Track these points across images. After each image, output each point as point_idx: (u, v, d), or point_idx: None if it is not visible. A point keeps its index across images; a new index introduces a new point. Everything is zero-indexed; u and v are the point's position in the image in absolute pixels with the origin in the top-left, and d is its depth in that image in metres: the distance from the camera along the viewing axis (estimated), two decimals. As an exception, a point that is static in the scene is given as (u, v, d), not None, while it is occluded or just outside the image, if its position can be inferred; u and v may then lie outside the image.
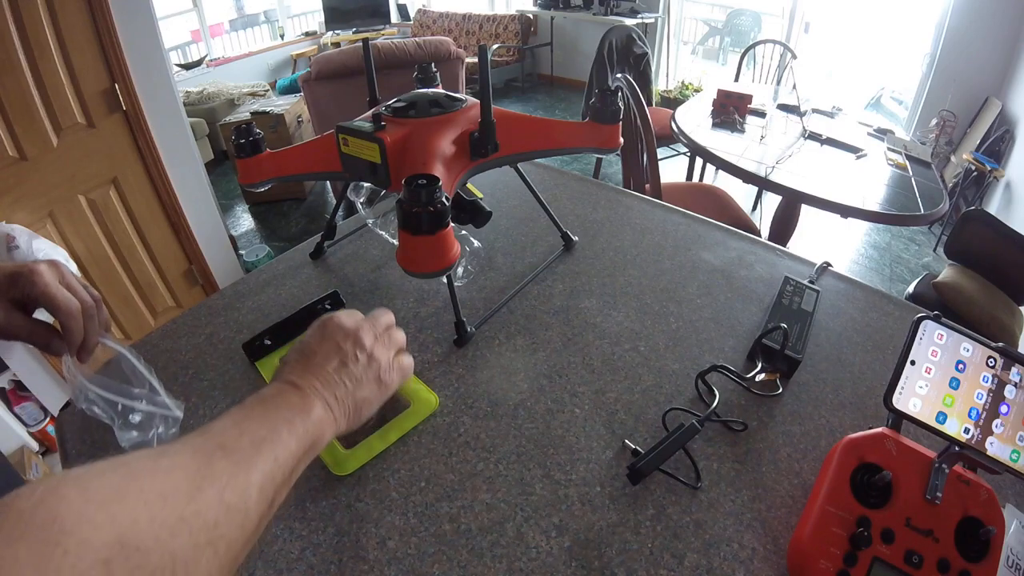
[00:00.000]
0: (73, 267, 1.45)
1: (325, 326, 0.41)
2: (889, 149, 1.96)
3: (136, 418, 0.46)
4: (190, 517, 0.24)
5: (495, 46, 4.74)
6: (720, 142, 1.89)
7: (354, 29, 4.78)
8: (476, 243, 0.74)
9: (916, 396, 0.42)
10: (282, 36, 4.83)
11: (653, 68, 3.35)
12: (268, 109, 3.07)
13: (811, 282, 0.69)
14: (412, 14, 5.34)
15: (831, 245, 2.82)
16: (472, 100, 0.61)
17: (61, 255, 1.43)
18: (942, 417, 0.41)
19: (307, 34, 4.94)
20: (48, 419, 1.66)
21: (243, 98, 3.62)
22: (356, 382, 0.39)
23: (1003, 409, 0.41)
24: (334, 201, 2.31)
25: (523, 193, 0.83)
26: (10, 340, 0.43)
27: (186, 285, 1.97)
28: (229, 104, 3.56)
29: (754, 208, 2.94)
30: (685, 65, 4.93)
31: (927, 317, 0.44)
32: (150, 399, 0.47)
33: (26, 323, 0.43)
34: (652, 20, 4.37)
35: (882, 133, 2.09)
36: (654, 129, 1.56)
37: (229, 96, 3.61)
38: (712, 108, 2.15)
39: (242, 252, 2.52)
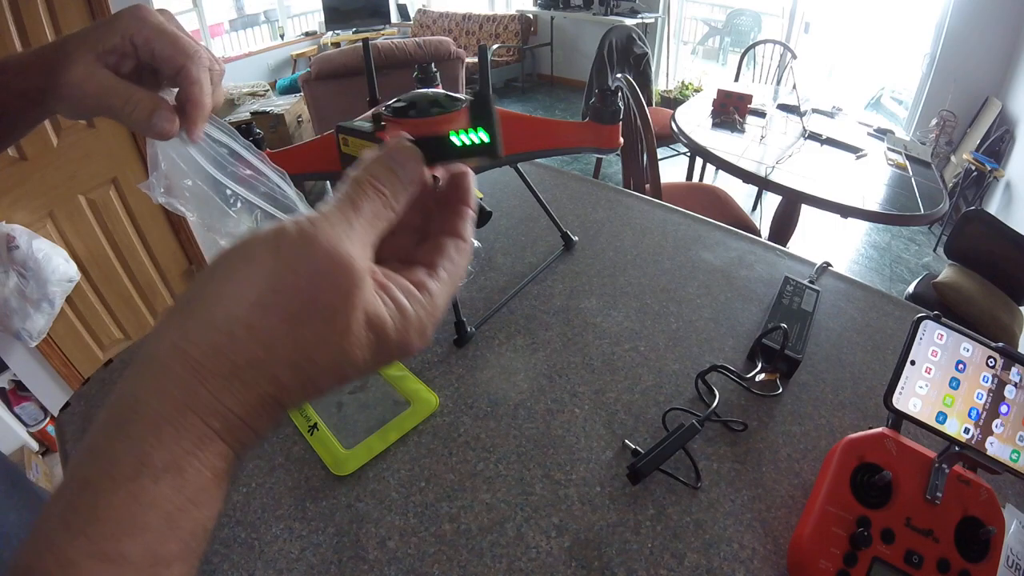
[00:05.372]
0: (72, 268, 1.45)
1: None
2: (889, 149, 1.96)
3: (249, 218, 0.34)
4: None
5: (495, 46, 4.74)
6: (720, 142, 1.89)
7: (354, 29, 4.78)
8: (476, 243, 0.74)
9: (916, 396, 0.42)
10: (282, 36, 4.82)
11: (653, 68, 3.35)
12: (268, 109, 3.07)
13: (811, 282, 0.69)
14: (412, 14, 5.34)
15: (831, 245, 2.82)
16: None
17: (61, 255, 1.43)
18: (942, 417, 0.41)
19: (307, 34, 4.94)
20: (48, 419, 1.66)
21: (243, 98, 3.62)
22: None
23: (1003, 409, 0.41)
24: (334, 201, 2.30)
25: (523, 193, 0.83)
26: (93, 114, 0.31)
27: (186, 285, 1.97)
28: (229, 104, 3.56)
29: (754, 208, 2.94)
30: (685, 65, 4.94)
31: (927, 317, 0.44)
32: (275, 199, 0.34)
33: (117, 83, 0.30)
34: (652, 20, 4.37)
35: (882, 133, 2.09)
36: (654, 129, 1.56)
37: (229, 96, 3.61)
38: (712, 108, 2.15)
39: (242, 252, 2.52)
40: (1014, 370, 0.42)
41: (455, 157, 0.24)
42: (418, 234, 0.26)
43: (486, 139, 0.23)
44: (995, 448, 0.40)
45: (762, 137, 1.97)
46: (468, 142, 0.23)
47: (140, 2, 0.32)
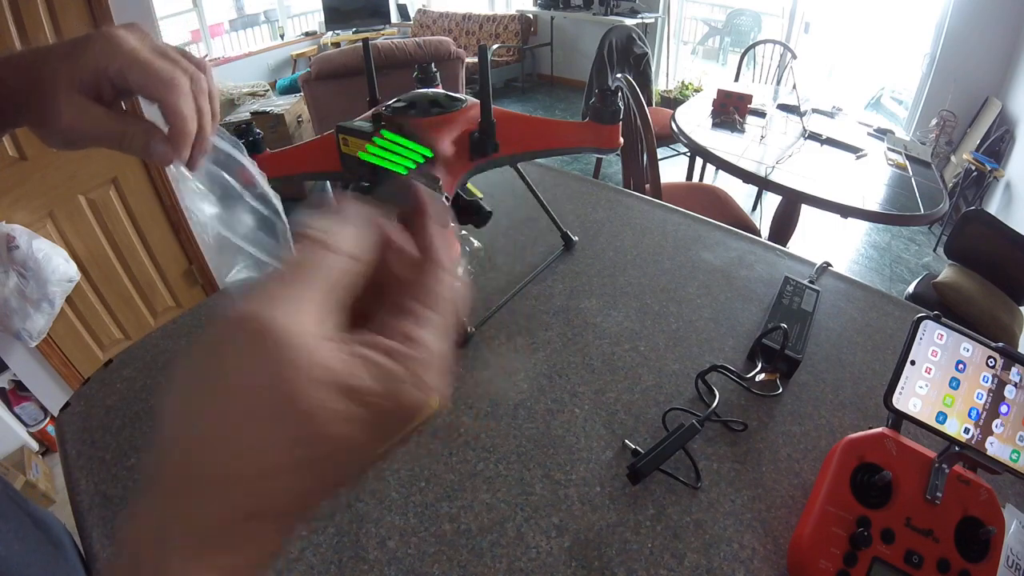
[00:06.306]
0: (72, 268, 1.45)
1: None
2: (889, 149, 1.96)
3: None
4: None
5: (495, 46, 4.74)
6: (720, 142, 1.89)
7: (354, 29, 4.78)
8: (476, 243, 0.73)
9: (916, 396, 0.42)
10: (282, 36, 4.82)
11: (653, 68, 3.35)
12: (268, 109, 3.07)
13: (811, 282, 0.69)
14: (412, 14, 5.34)
15: (831, 245, 2.82)
16: (472, 100, 0.61)
17: (61, 255, 1.43)
18: (942, 417, 0.41)
19: (307, 34, 4.94)
20: (48, 419, 1.66)
21: (243, 98, 3.62)
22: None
23: (1003, 409, 0.41)
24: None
25: (523, 193, 0.83)
26: (89, 146, 0.31)
27: (186, 285, 1.97)
28: (229, 104, 3.56)
29: (754, 208, 2.94)
30: (685, 65, 4.93)
31: (927, 317, 0.44)
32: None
33: (108, 119, 0.30)
34: (652, 20, 4.37)
35: (882, 133, 2.09)
36: (654, 129, 1.56)
37: (229, 96, 3.61)
38: (712, 108, 2.15)
39: (242, 252, 2.52)
40: (1014, 370, 0.42)
41: (386, 180, 0.22)
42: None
43: (428, 154, 0.22)
44: (995, 448, 0.40)
45: (762, 137, 1.96)
46: (400, 160, 0.21)
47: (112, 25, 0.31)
